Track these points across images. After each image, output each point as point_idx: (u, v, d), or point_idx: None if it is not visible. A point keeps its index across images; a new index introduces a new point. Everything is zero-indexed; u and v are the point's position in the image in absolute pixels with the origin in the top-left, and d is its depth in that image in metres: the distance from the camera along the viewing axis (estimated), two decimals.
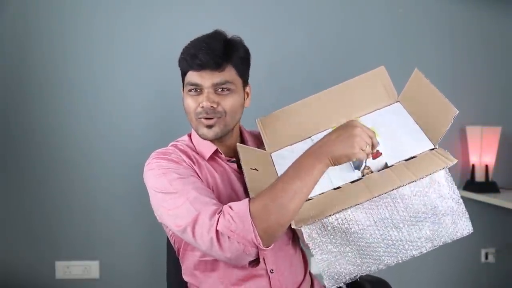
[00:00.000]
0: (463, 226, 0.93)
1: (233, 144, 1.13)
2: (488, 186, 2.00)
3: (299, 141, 1.12)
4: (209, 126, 1.04)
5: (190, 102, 1.04)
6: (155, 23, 1.91)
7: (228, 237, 0.86)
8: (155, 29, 1.91)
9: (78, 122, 1.88)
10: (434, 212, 0.91)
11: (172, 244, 1.14)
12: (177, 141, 1.15)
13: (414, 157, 0.94)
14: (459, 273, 2.07)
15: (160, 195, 0.99)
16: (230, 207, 0.88)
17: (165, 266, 1.28)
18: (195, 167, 1.07)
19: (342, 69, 2.00)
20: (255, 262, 0.92)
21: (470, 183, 2.03)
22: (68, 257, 1.88)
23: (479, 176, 2.03)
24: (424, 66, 2.06)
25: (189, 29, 1.87)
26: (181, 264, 1.13)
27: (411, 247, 0.92)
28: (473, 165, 2.04)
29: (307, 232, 0.93)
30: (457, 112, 0.90)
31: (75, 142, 1.88)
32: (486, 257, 2.09)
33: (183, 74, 1.07)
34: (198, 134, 1.07)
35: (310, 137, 1.11)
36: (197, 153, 1.10)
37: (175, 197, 0.96)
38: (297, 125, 1.13)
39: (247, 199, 0.89)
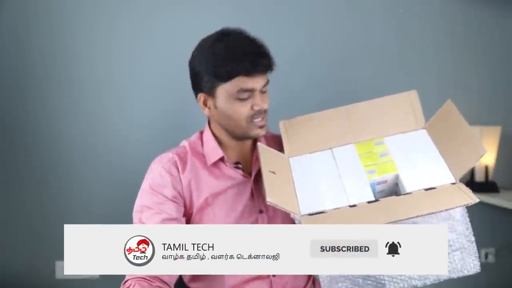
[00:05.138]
0: (471, 265, 0.93)
1: (246, 147, 1.12)
2: (488, 186, 2.00)
3: (319, 151, 1.10)
4: (262, 126, 1.05)
5: (241, 108, 1.01)
6: (156, 23, 1.91)
7: None
8: (156, 29, 1.91)
9: (78, 122, 1.88)
10: None
11: None
12: (186, 141, 1.13)
13: (434, 188, 0.93)
14: None
15: (136, 203, 1.06)
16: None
17: None
18: (190, 176, 1.06)
19: (342, 69, 2.01)
20: None
21: (470, 183, 2.03)
22: None
23: (479, 176, 2.03)
24: (424, 66, 2.09)
25: (190, 29, 1.88)
26: None
27: (416, 277, 0.90)
28: None
29: None
30: (486, 152, 0.90)
31: (75, 142, 1.88)
32: (486, 257, 2.09)
33: (226, 79, 1.00)
34: (249, 136, 1.06)
35: (331, 148, 1.09)
36: (202, 156, 1.09)
37: (134, 214, 1.05)
38: (320, 134, 1.11)
39: None
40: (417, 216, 0.88)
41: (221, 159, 1.08)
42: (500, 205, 1.88)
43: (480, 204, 1.94)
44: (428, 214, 0.88)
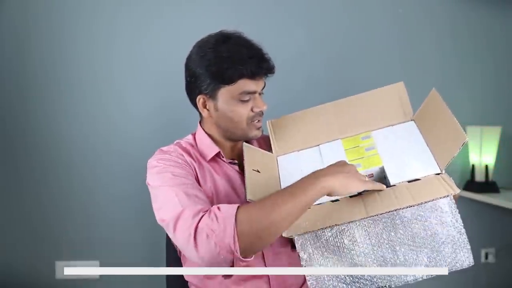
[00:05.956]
0: (463, 258, 0.90)
1: (240, 146, 1.14)
2: (488, 186, 2.00)
3: (306, 148, 1.11)
4: (259, 127, 1.09)
5: (242, 109, 1.05)
6: (156, 23, 1.90)
7: (207, 236, 0.84)
8: (156, 29, 1.90)
9: (78, 122, 1.88)
10: (434, 239, 0.88)
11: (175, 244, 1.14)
12: (181, 140, 1.15)
13: (418, 179, 0.93)
14: (459, 273, 2.06)
15: (153, 191, 1.00)
16: (218, 207, 0.87)
17: (165, 266, 1.28)
18: (195, 164, 1.07)
19: (342, 69, 2.01)
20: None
21: (470, 183, 2.03)
22: (68, 257, 1.88)
23: (479, 176, 2.02)
24: (424, 66, 2.09)
25: (189, 29, 1.88)
26: (183, 264, 1.13)
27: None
28: (473, 165, 2.04)
29: (299, 242, 0.92)
30: (467, 139, 0.88)
31: (75, 142, 1.88)
32: (486, 257, 2.09)
33: (230, 82, 1.02)
34: (247, 137, 1.09)
35: (318, 145, 1.10)
36: (199, 153, 1.11)
37: (165, 193, 0.96)
38: (308, 132, 1.12)
39: (237, 205, 0.88)
40: (396, 210, 0.87)
41: (217, 155, 1.10)
42: (500, 205, 1.88)
43: (480, 204, 1.97)
44: (407, 207, 0.87)
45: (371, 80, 1.92)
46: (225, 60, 1.01)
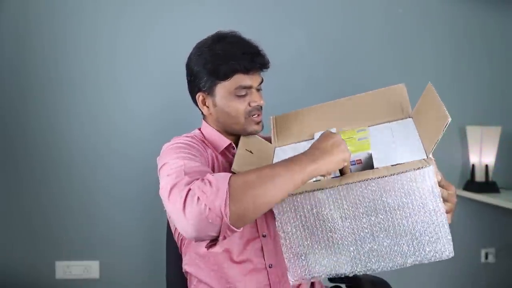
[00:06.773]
0: (442, 249, 0.88)
1: None
2: (488, 186, 2.00)
3: (303, 140, 1.13)
4: (259, 122, 1.11)
5: (239, 104, 1.08)
6: (158, 24, 1.91)
7: (198, 198, 0.81)
8: (158, 30, 1.91)
9: (79, 122, 1.88)
10: (414, 228, 0.88)
11: (175, 238, 1.15)
12: (189, 133, 1.16)
13: (401, 164, 0.91)
14: (459, 273, 2.07)
15: (163, 168, 0.97)
16: (212, 174, 0.86)
17: (165, 266, 1.28)
18: (213, 154, 1.10)
19: (342, 69, 2.01)
20: (214, 242, 0.87)
21: (470, 183, 2.03)
22: (68, 257, 1.88)
23: (479, 176, 2.03)
24: (424, 66, 2.09)
25: (191, 30, 1.89)
26: (183, 256, 1.14)
27: (382, 259, 0.89)
28: (473, 165, 2.04)
29: (279, 220, 0.94)
30: (449, 119, 0.86)
31: (75, 142, 1.88)
32: (486, 257, 2.09)
33: (225, 77, 1.06)
34: (247, 132, 1.11)
35: (313, 137, 1.11)
36: (211, 144, 1.14)
37: (173, 164, 0.94)
38: (307, 126, 1.14)
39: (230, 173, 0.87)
40: (366, 179, 0.88)
41: (227, 148, 1.13)
42: (500, 205, 1.88)
43: (480, 204, 1.97)
44: (378, 177, 0.87)
45: (371, 80, 1.92)
46: (220, 57, 1.06)
